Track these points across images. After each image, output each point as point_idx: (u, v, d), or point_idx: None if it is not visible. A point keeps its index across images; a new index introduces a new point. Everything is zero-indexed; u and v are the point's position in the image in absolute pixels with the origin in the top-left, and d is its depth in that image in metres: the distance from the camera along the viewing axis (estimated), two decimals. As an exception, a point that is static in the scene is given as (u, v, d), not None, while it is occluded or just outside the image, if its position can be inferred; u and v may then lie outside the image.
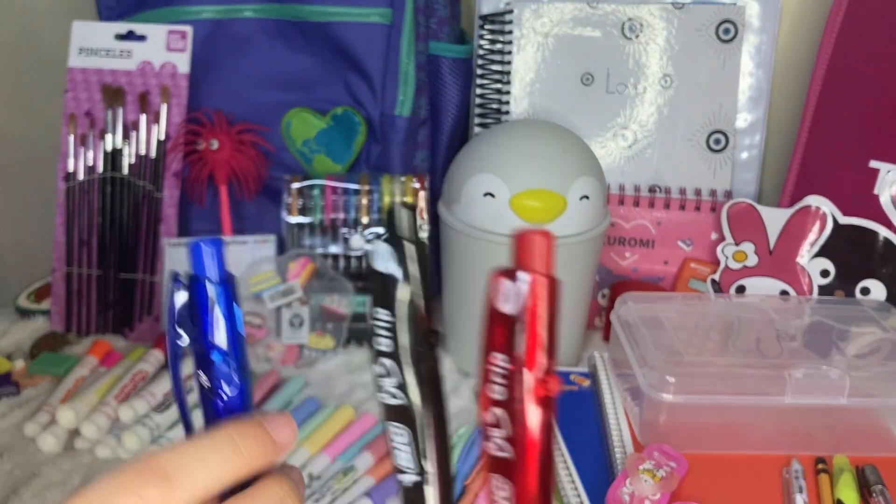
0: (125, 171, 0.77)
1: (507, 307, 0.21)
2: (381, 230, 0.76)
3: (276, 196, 0.79)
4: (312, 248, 0.76)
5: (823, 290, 0.75)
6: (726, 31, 0.79)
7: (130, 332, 0.77)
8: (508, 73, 0.81)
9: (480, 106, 0.82)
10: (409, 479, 0.24)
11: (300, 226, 0.76)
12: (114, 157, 0.77)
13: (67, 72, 0.77)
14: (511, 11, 0.80)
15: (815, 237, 0.75)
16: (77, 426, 0.62)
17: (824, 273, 0.75)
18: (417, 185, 0.76)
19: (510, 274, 0.21)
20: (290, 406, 0.67)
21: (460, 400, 0.69)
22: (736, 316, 0.72)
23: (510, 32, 0.80)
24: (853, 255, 0.74)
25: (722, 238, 0.78)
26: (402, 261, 0.23)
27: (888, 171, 0.74)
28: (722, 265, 0.78)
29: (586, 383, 0.69)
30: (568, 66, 0.81)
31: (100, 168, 0.77)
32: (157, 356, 0.69)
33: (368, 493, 0.57)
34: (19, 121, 0.90)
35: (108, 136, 0.77)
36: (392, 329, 0.23)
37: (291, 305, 0.73)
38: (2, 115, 0.91)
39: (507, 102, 0.81)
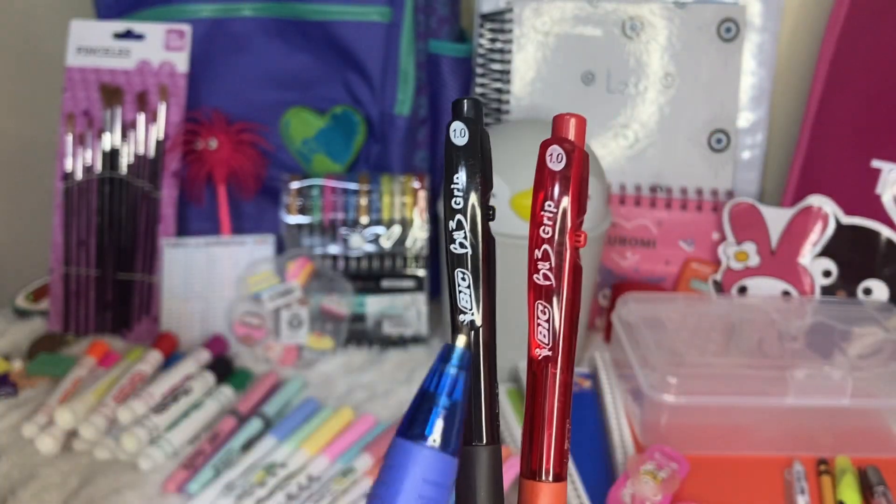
0: (123, 170, 0.77)
1: (555, 166, 0.28)
2: (378, 232, 0.76)
3: (274, 196, 0.79)
4: (311, 249, 0.76)
5: (825, 290, 0.75)
6: (728, 30, 0.79)
7: (129, 332, 0.77)
8: (509, 72, 0.81)
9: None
10: (467, 318, 0.29)
11: (299, 226, 0.76)
12: (112, 156, 0.77)
13: (65, 71, 0.77)
14: (511, 10, 0.80)
15: (817, 237, 0.74)
16: (75, 427, 0.62)
17: (826, 273, 0.75)
18: (417, 185, 0.76)
19: (555, 142, 0.28)
20: (288, 407, 0.67)
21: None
22: (737, 316, 0.72)
23: (510, 31, 0.80)
24: (855, 256, 0.74)
25: (723, 238, 0.78)
26: (473, 137, 0.29)
27: (890, 171, 0.73)
28: (723, 265, 0.77)
29: (587, 384, 0.69)
30: (568, 65, 0.80)
31: (98, 168, 0.77)
32: (155, 357, 0.69)
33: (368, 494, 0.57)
34: (17, 120, 0.90)
35: (107, 136, 0.76)
36: (465, 190, 0.29)
37: (290, 306, 0.73)
38: None
39: (508, 101, 0.81)
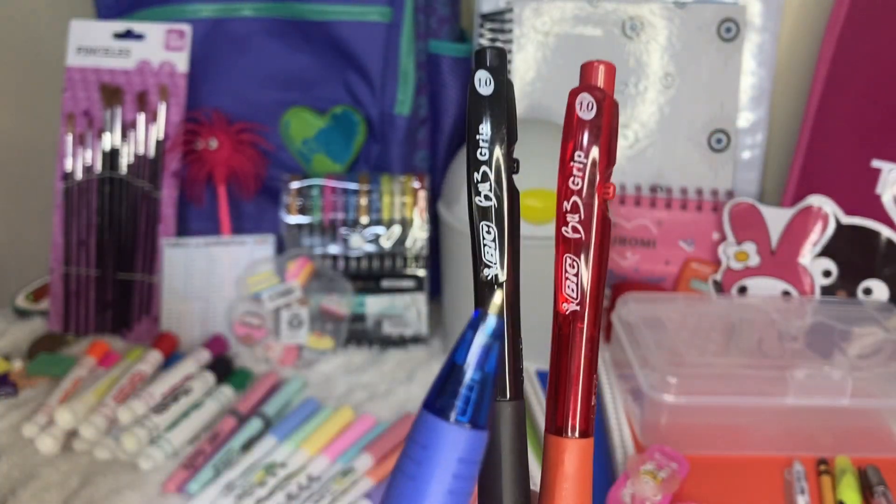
0: (123, 170, 0.77)
1: (585, 115, 0.27)
2: (377, 232, 0.76)
3: (274, 196, 0.79)
4: (311, 249, 0.76)
5: (825, 290, 0.75)
6: (728, 30, 0.79)
7: (129, 332, 0.77)
8: (509, 71, 0.80)
9: (480, 105, 0.82)
10: (492, 272, 0.29)
11: (299, 226, 0.76)
12: (112, 156, 0.77)
13: (65, 71, 0.77)
14: (511, 10, 0.80)
15: (817, 237, 0.74)
16: (75, 427, 0.62)
17: (826, 273, 0.75)
18: (417, 185, 0.76)
19: (585, 90, 0.27)
20: (288, 407, 0.67)
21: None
22: (737, 316, 0.72)
23: (510, 31, 0.80)
24: (855, 256, 0.74)
25: (723, 238, 0.78)
26: (498, 86, 0.28)
27: (890, 171, 0.73)
28: (723, 265, 0.77)
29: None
30: (568, 65, 0.80)
31: (98, 168, 0.77)
32: (155, 357, 0.69)
33: (368, 494, 0.57)
34: (17, 120, 0.90)
35: (107, 136, 0.76)
36: (490, 141, 0.28)
37: (290, 306, 0.73)
38: None
39: (508, 102, 0.81)
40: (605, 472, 0.59)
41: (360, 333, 0.76)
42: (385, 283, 0.76)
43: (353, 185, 0.76)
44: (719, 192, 0.81)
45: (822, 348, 0.65)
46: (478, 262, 0.30)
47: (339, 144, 0.78)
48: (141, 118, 0.76)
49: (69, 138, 0.77)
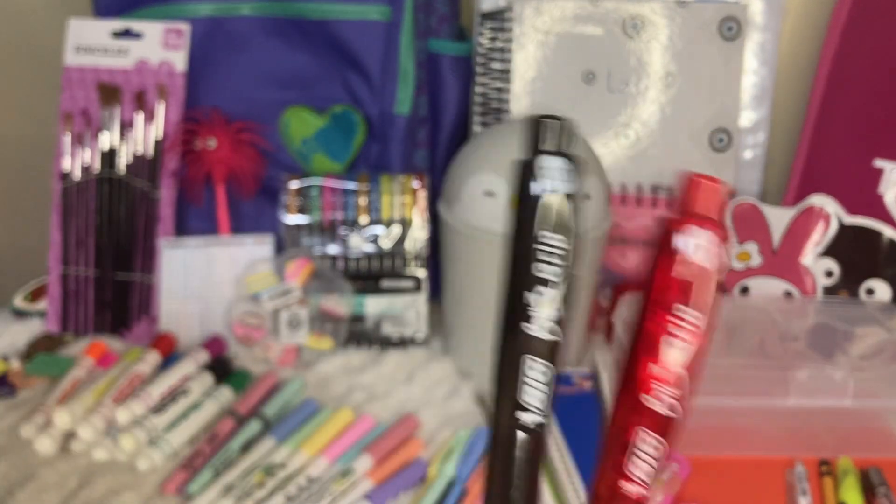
0: (122, 170, 0.76)
1: (701, 259, 0.20)
2: (377, 232, 0.76)
3: (273, 195, 0.78)
4: (311, 249, 0.75)
5: (828, 290, 0.75)
6: (729, 29, 0.79)
7: (127, 332, 0.76)
8: (509, 71, 0.80)
9: (481, 104, 0.81)
10: (535, 419, 0.22)
11: (298, 226, 0.76)
12: (110, 156, 0.76)
13: (63, 70, 0.77)
14: (511, 9, 0.79)
15: (819, 237, 0.74)
16: (73, 428, 0.62)
17: (828, 273, 0.75)
18: (417, 185, 0.76)
19: (692, 223, 0.20)
20: (288, 408, 0.66)
21: (460, 401, 0.68)
22: (739, 317, 0.72)
23: (511, 30, 0.80)
24: (858, 256, 0.74)
25: (724, 238, 0.77)
26: (577, 183, 0.20)
27: (892, 171, 0.73)
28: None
29: (588, 384, 0.68)
30: (569, 64, 0.80)
31: (96, 167, 0.76)
32: (154, 357, 0.69)
33: (367, 495, 0.57)
34: (14, 120, 0.89)
35: (105, 136, 0.76)
36: (566, 256, 0.21)
37: (290, 306, 0.73)
38: (-2, 114, 0.90)
39: (508, 101, 0.81)
40: (605, 474, 0.59)
41: (359, 334, 0.76)
42: (385, 284, 0.76)
43: (352, 185, 0.76)
44: (720, 192, 0.81)
45: (825, 349, 0.65)
46: (509, 402, 0.23)
47: (339, 144, 0.78)
48: (139, 117, 0.76)
49: (67, 138, 0.76)
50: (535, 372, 0.22)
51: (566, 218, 0.21)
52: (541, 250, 0.21)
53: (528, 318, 0.21)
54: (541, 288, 0.21)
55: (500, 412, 0.23)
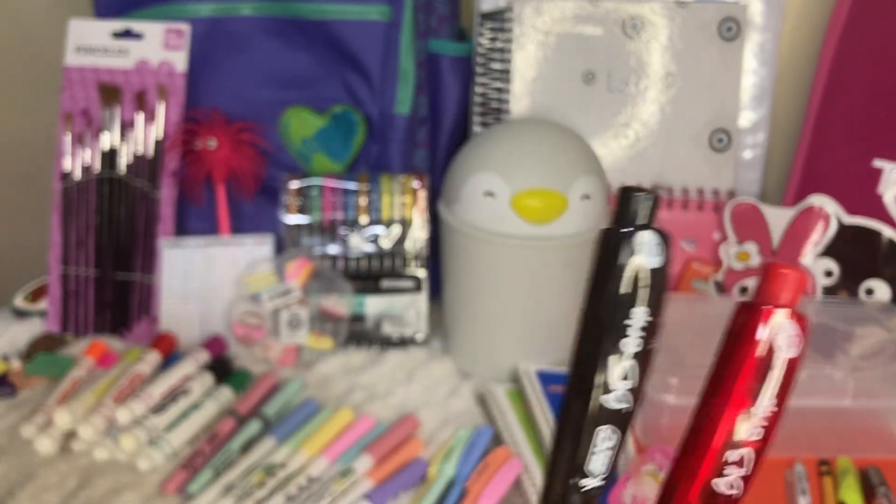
0: (122, 170, 0.76)
1: (785, 349, 0.20)
2: (377, 232, 0.76)
3: (273, 195, 0.78)
4: (311, 249, 0.75)
5: (827, 290, 0.75)
6: (729, 29, 0.79)
7: (127, 332, 0.76)
8: (509, 71, 0.80)
9: (481, 104, 0.81)
10: (594, 483, 0.23)
11: (298, 226, 0.76)
12: (111, 156, 0.76)
13: (64, 70, 0.77)
14: (511, 9, 0.79)
15: (818, 237, 0.74)
16: (74, 428, 0.62)
17: (828, 273, 0.75)
18: (417, 185, 0.76)
19: (776, 313, 0.20)
20: (288, 408, 0.66)
21: (460, 401, 0.68)
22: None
23: (511, 30, 0.80)
24: (857, 256, 0.74)
25: (725, 238, 0.78)
26: (666, 256, 0.21)
27: (892, 171, 0.73)
28: (725, 265, 0.77)
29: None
30: (569, 64, 0.80)
31: (97, 168, 0.76)
32: (154, 357, 0.69)
33: (367, 495, 0.57)
34: (15, 120, 0.89)
35: (105, 136, 0.76)
36: (650, 329, 0.21)
37: (290, 306, 0.73)
38: (-2, 114, 0.90)
39: (508, 101, 0.81)
40: (605, 474, 0.59)
41: (359, 334, 0.76)
42: (385, 284, 0.76)
43: (352, 185, 0.76)
44: (720, 192, 0.81)
45: (824, 349, 0.65)
46: (568, 467, 0.24)
47: (339, 144, 0.78)
48: (140, 118, 0.76)
49: (67, 138, 0.76)
50: (605, 440, 0.23)
51: (656, 292, 0.21)
52: (626, 324, 0.21)
53: (605, 389, 0.22)
54: (621, 359, 0.22)
55: (556, 474, 0.23)
